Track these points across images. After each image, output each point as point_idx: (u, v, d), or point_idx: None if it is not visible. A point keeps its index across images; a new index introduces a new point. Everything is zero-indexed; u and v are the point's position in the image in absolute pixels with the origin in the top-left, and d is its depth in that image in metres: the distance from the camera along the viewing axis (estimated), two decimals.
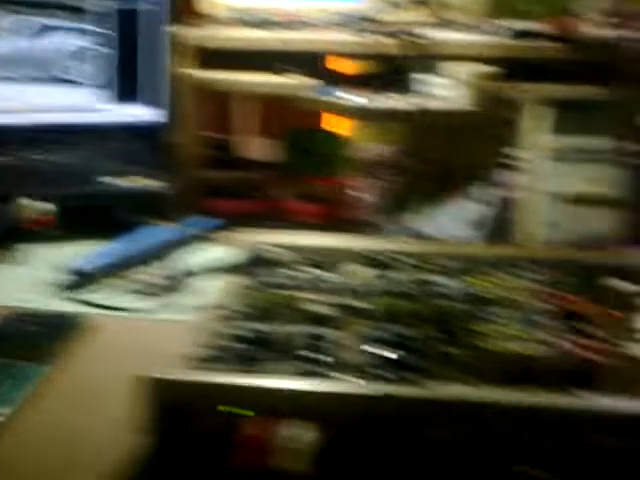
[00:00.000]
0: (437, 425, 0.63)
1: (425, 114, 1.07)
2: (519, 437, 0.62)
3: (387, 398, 0.63)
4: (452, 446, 0.62)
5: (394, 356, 0.71)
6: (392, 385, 0.67)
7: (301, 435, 0.61)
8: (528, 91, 1.06)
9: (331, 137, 1.33)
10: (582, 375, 0.71)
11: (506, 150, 1.11)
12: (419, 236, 1.09)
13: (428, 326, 0.77)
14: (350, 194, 1.27)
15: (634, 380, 0.71)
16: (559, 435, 0.62)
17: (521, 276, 0.88)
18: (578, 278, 0.88)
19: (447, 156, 1.15)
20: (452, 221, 1.10)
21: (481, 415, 0.63)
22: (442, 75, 1.13)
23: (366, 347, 0.73)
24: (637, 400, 0.68)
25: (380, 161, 1.30)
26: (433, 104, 1.09)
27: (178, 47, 1.23)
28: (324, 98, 1.14)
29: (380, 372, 0.69)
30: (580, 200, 1.00)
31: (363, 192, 1.27)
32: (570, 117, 1.03)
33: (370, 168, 1.31)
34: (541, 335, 0.74)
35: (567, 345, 0.73)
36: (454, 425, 0.63)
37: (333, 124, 1.33)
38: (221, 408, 0.63)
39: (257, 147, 1.37)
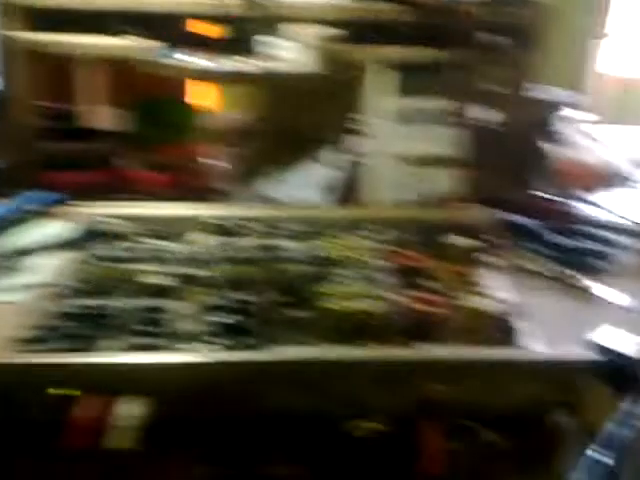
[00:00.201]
0: (275, 387, 0.62)
1: (270, 77, 1.05)
2: (356, 393, 0.63)
3: (223, 364, 0.62)
4: (291, 407, 0.62)
5: (234, 322, 0.70)
6: (230, 352, 0.66)
7: (130, 412, 0.59)
8: (372, 54, 1.06)
9: (180, 105, 1.27)
10: (421, 328, 0.73)
11: (353, 113, 1.11)
12: (270, 201, 1.08)
13: (272, 290, 0.76)
14: (200, 162, 1.23)
15: (471, 330, 0.74)
16: (396, 387, 0.64)
17: (367, 236, 0.89)
18: (421, 236, 0.90)
19: (296, 121, 1.14)
20: (302, 185, 1.09)
21: (320, 374, 0.64)
22: (288, 38, 1.11)
23: (207, 316, 0.71)
24: (472, 348, 0.71)
25: (230, 128, 1.27)
26: (278, 67, 1.07)
27: (6, 8, 1.13)
28: (166, 61, 1.08)
29: (220, 339, 0.68)
30: (422, 161, 1.02)
31: (214, 159, 1.24)
32: (411, 80, 1.04)
33: (221, 135, 1.27)
34: (383, 292, 0.75)
35: (407, 300, 0.75)
36: (293, 386, 0.62)
37: (183, 91, 1.28)
38: (50, 391, 0.59)
39: (102, 116, 1.29)
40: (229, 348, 0.66)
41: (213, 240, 0.88)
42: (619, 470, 0.62)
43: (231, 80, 1.10)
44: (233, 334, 0.68)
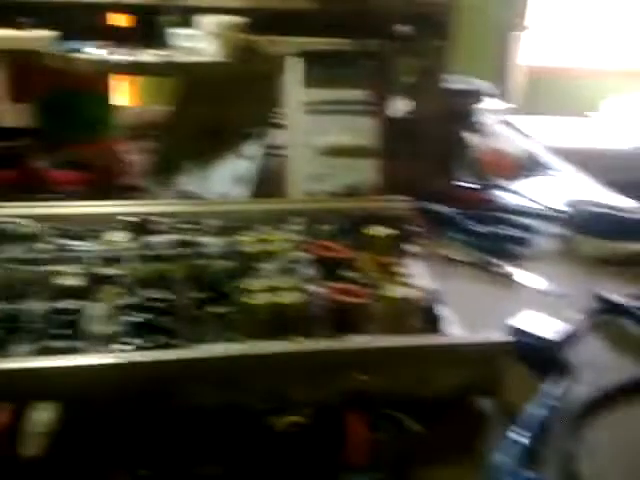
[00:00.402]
0: (195, 385, 0.61)
1: (178, 67, 1.02)
2: (278, 387, 0.62)
3: (140, 365, 0.60)
4: (212, 405, 0.60)
5: (153, 321, 0.68)
6: (147, 351, 0.63)
7: (43, 418, 0.56)
8: (283, 44, 1.05)
9: (92, 99, 1.23)
10: (343, 319, 0.72)
11: (270, 105, 1.10)
12: (189, 197, 1.06)
13: (192, 287, 0.74)
14: (117, 158, 1.20)
15: (394, 319, 0.74)
16: (319, 379, 0.63)
17: (287, 229, 0.88)
18: (342, 227, 0.90)
19: (216, 114, 1.12)
20: (221, 179, 1.07)
21: (241, 369, 0.62)
22: (198, 28, 1.09)
23: (124, 316, 0.69)
24: (395, 337, 0.71)
25: (148, 122, 1.24)
26: (186, 58, 1.05)
27: None
28: (73, 53, 1.04)
29: (139, 339, 0.65)
30: (341, 152, 1.02)
31: (130, 155, 1.20)
32: (324, 69, 1.03)
33: (138, 130, 1.24)
34: (304, 285, 0.74)
35: (328, 292, 0.74)
36: (213, 383, 0.61)
37: (97, 85, 1.24)
38: None
39: (12, 113, 1.24)
40: (147, 347, 0.64)
41: (131, 238, 0.85)
42: (537, 449, 0.64)
43: (139, 72, 1.06)
44: (152, 333, 0.66)
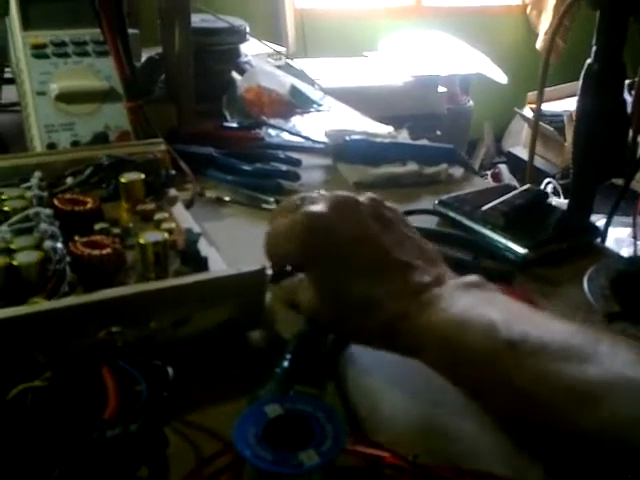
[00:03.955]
0: None
1: None
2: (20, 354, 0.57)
3: None
4: None
5: None
6: None
7: None
8: None
9: None
10: (97, 272, 0.68)
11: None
12: None
13: None
14: None
15: (155, 265, 0.71)
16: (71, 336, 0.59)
17: (26, 186, 0.80)
18: (91, 177, 0.84)
19: None
20: None
21: None
22: None
23: None
24: (156, 282, 0.68)
25: None
26: None
27: None
28: None
29: None
30: (77, 97, 0.94)
31: None
32: (42, 7, 0.94)
33: None
34: (43, 243, 0.68)
35: (71, 247, 0.69)
36: None
37: None
38: None
39: None
40: None
41: None
42: (298, 371, 0.64)
43: None
44: None
